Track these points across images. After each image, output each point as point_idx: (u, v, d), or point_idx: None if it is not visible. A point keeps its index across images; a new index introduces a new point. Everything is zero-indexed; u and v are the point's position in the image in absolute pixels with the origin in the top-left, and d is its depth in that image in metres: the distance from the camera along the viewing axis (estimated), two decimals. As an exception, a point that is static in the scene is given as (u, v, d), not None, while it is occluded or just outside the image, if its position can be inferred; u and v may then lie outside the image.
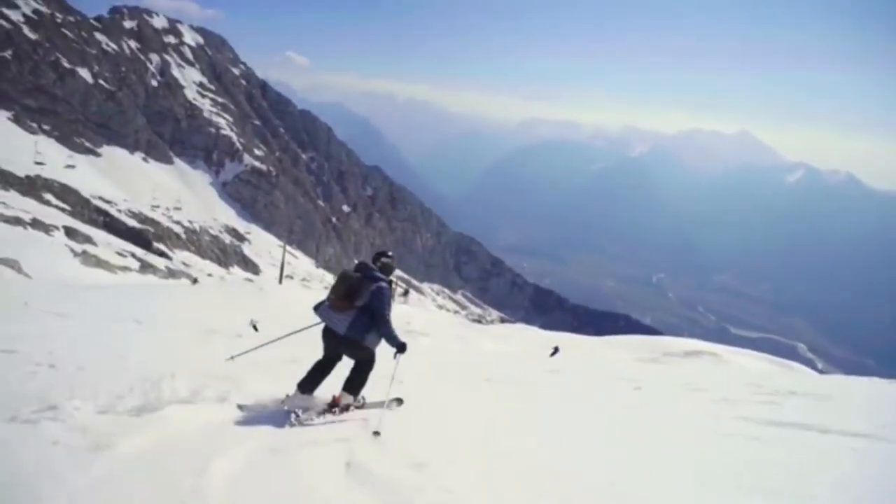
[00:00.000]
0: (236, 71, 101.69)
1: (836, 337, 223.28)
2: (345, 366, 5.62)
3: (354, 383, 5.60)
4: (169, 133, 79.62)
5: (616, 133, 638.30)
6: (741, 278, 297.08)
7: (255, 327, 13.09)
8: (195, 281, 38.28)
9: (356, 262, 5.69)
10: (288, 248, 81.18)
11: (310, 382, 5.61)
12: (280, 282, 44.91)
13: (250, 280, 45.21)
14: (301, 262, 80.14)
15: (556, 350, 19.44)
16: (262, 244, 76.32)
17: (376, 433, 4.86)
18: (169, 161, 76.92)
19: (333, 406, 5.55)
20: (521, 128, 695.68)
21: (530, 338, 26.89)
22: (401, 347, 5.50)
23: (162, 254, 49.20)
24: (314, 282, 72.05)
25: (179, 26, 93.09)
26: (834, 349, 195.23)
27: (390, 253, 5.86)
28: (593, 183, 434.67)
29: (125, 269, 33.91)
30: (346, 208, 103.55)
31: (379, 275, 5.54)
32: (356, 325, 5.37)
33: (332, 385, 5.51)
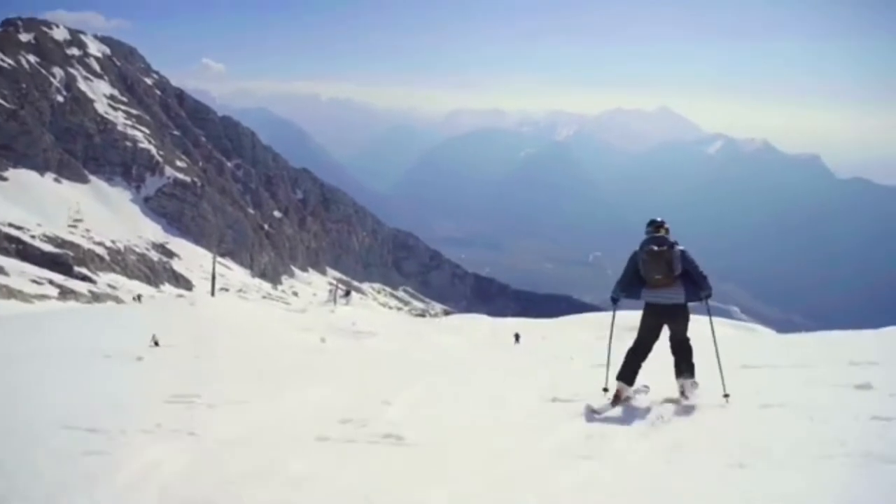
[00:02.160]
0: (149, 81, 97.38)
1: (765, 298, 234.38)
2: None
3: (689, 365, 5.89)
4: (81, 150, 75.28)
5: (542, 118, 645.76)
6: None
7: (156, 342, 12.46)
8: (138, 298, 36.65)
9: (647, 238, 6.03)
10: (220, 259, 78.56)
11: (632, 372, 5.95)
12: (212, 294, 43.13)
13: (182, 296, 43.20)
14: (235, 273, 77.67)
15: (517, 337, 18.99)
16: (192, 258, 73.44)
17: (726, 395, 5.64)
18: (84, 180, 72.85)
19: (683, 395, 5.84)
20: (448, 119, 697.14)
21: (482, 326, 26.53)
22: (711, 294, 6.00)
23: (85, 277, 46.53)
24: (251, 292, 69.86)
25: (83, 37, 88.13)
26: (764, 310, 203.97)
27: (658, 218, 6.31)
28: (522, 169, 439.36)
29: (42, 297, 31.74)
30: (277, 214, 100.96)
31: (672, 239, 5.99)
32: (690, 291, 5.89)
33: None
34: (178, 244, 74.69)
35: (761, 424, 4.79)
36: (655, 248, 5.84)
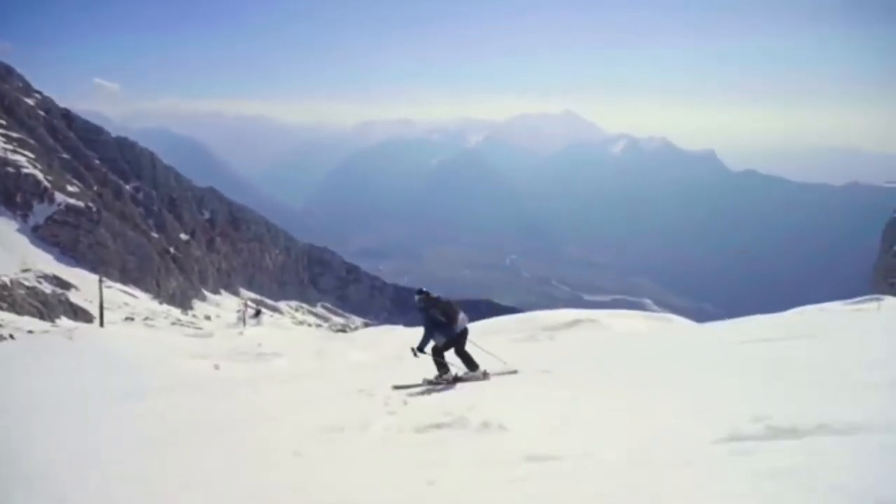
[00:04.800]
0: (31, 101, 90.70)
1: (675, 289, 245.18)
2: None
3: (475, 361, 9.63)
4: (-45, 179, 69.23)
5: (450, 125, 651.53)
6: (587, 248, 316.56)
7: None
8: (10, 337, 33.42)
9: (433, 298, 9.71)
10: (124, 287, 74.00)
11: (447, 366, 9.59)
12: (101, 325, 39.92)
13: (76, 328, 39.80)
14: (141, 301, 73.19)
15: (414, 351, 17.88)
16: (91, 288, 68.25)
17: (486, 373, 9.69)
18: (-40, 211, 66.97)
19: (486, 375, 9.58)
20: (357, 131, 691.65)
21: (400, 338, 25.51)
22: None
23: (-36, 317, 42.31)
24: (159, 319, 65.89)
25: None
26: (675, 300, 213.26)
27: (424, 288, 9.95)
28: (435, 177, 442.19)
29: None
30: (183, 236, 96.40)
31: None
32: None
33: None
34: (74, 274, 69.59)
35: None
36: (446, 300, 9.67)
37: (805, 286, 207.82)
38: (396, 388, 9.55)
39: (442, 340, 9.49)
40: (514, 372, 9.83)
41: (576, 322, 19.88)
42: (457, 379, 9.44)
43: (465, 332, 9.59)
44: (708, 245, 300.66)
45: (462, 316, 9.49)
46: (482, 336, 23.12)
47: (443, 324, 9.37)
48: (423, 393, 9.01)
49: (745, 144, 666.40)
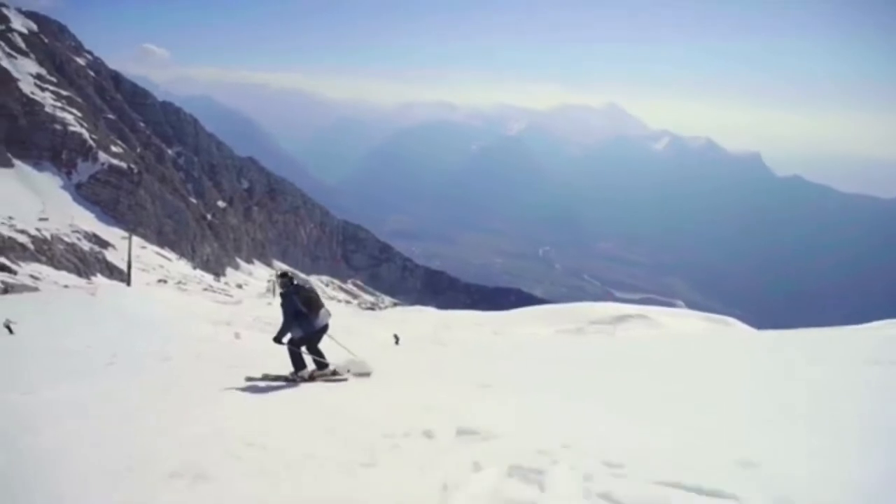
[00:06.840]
0: (81, 61, 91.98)
1: (706, 291, 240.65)
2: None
3: (323, 361, 8.85)
4: (4, 133, 69.99)
5: (491, 112, 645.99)
6: (621, 244, 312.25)
7: (9, 328, 12.74)
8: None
9: (296, 284, 8.59)
10: (160, 250, 74.87)
11: (304, 363, 8.67)
12: (128, 284, 40.03)
13: (111, 286, 40.13)
14: (176, 265, 74.02)
15: (396, 338, 17.28)
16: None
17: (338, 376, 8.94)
18: (8, 164, 68.06)
19: (336, 374, 8.84)
20: (399, 110, 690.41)
21: (428, 320, 24.99)
22: None
23: (4, 268, 43.10)
24: (191, 284, 66.54)
25: (5, 11, 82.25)
26: (706, 302, 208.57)
27: (290, 272, 9.19)
28: (474, 162, 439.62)
29: (-53, 289, 28.66)
30: (221, 203, 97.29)
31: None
32: None
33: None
34: (112, 234, 70.51)
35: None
36: (310, 288, 8.69)
37: (837, 298, 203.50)
38: (249, 379, 8.48)
39: (299, 334, 8.45)
40: (368, 374, 8.84)
41: (625, 317, 18.99)
42: (312, 377, 8.52)
43: (324, 328, 8.66)
44: (744, 250, 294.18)
45: (324, 310, 8.59)
46: (517, 325, 22.45)
47: (303, 315, 8.34)
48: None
49: (793, 150, 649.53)
